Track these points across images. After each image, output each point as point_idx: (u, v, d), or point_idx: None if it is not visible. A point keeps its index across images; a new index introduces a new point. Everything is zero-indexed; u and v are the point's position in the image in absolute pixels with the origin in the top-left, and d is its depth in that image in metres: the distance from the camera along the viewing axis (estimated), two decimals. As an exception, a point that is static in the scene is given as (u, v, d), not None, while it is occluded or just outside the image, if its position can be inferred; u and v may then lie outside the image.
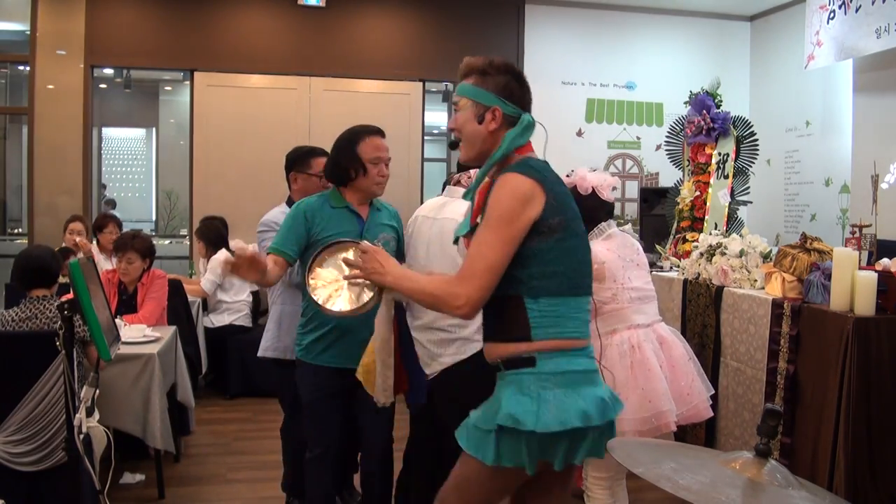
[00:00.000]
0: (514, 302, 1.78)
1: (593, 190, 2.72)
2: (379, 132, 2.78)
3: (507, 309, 1.80)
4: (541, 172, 1.81)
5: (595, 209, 2.73)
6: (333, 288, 2.16)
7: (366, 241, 2.06)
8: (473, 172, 2.85)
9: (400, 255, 2.86)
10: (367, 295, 2.09)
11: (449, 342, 2.57)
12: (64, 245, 5.18)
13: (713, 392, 2.77)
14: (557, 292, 1.78)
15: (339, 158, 2.74)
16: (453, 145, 2.00)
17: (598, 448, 1.79)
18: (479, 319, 2.61)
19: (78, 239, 5.19)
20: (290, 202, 3.16)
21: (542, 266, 1.77)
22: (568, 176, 2.81)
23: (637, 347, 2.60)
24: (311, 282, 2.18)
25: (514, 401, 1.75)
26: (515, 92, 1.92)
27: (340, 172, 2.74)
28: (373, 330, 2.53)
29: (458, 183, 2.84)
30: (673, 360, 2.67)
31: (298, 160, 3.23)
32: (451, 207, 2.71)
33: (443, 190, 3.04)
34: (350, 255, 2.10)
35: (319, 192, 2.84)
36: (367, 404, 2.65)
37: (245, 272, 2.33)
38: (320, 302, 2.15)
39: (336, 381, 2.71)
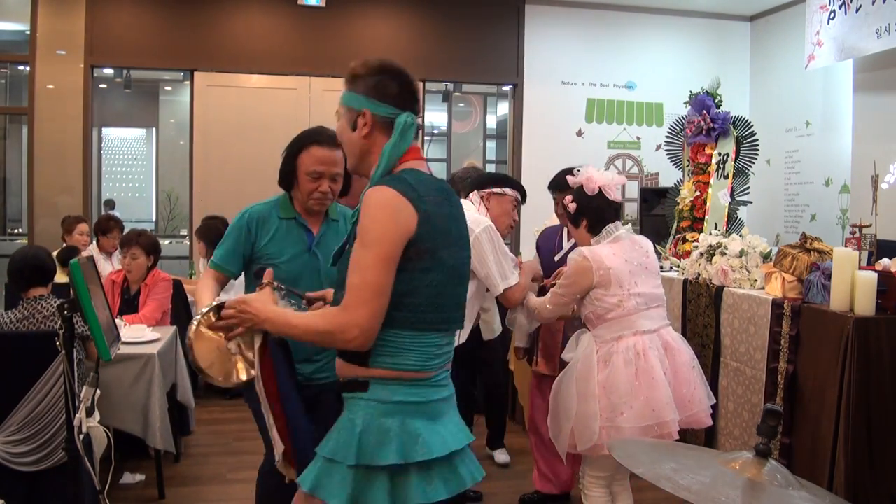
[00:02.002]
0: None
1: (600, 190, 2.66)
2: (330, 141, 2.38)
3: None
4: (414, 188, 1.62)
5: (602, 209, 2.67)
6: (220, 361, 1.89)
7: (227, 298, 1.82)
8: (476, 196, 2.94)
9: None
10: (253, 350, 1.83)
11: None
12: (67, 244, 5.17)
13: (714, 402, 2.73)
14: (402, 326, 1.63)
15: (282, 162, 2.46)
16: None
17: (447, 482, 1.66)
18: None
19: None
20: None
21: (396, 297, 1.61)
22: (573, 174, 2.77)
23: (642, 354, 2.54)
24: (199, 363, 1.88)
25: (339, 429, 1.67)
26: (390, 90, 1.70)
27: (283, 178, 2.47)
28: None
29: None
30: (677, 366, 2.62)
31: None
32: None
33: None
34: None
35: (269, 198, 2.55)
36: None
37: None
38: (222, 382, 1.91)
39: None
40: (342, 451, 1.62)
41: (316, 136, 2.43)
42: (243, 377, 1.91)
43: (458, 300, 1.74)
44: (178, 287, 4.50)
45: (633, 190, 6.90)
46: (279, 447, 1.82)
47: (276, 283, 1.89)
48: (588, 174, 2.70)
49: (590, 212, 2.68)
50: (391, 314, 1.62)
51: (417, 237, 1.59)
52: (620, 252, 2.62)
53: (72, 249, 4.91)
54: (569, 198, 2.75)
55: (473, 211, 2.83)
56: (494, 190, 2.94)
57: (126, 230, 5.07)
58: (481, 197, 2.95)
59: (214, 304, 1.85)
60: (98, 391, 3.05)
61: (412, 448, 1.61)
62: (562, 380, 2.69)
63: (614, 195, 2.69)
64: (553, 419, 2.70)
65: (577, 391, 2.58)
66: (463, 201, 2.86)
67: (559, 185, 3.42)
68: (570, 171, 3.45)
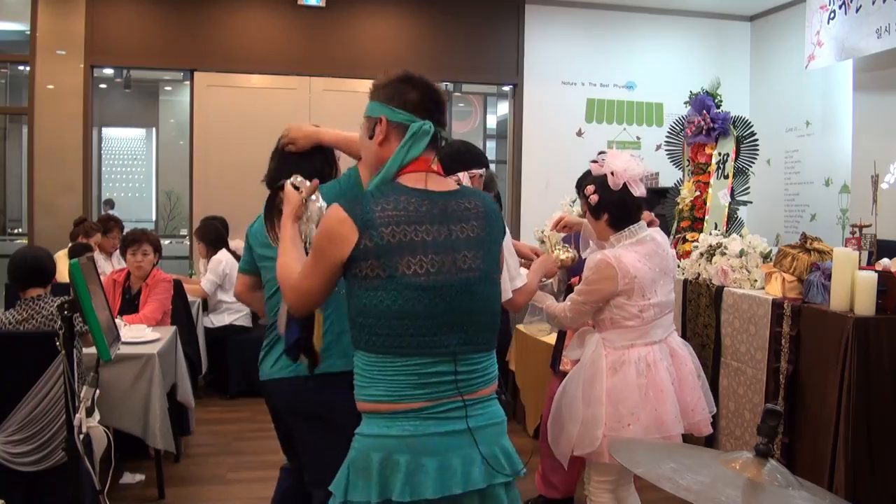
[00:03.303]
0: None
1: (624, 184, 2.49)
2: None
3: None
4: (363, 205, 1.56)
5: (626, 205, 2.51)
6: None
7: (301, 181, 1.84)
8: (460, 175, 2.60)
9: None
10: None
11: None
12: (79, 242, 5.15)
13: (715, 412, 2.66)
14: (368, 349, 1.58)
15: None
16: None
17: None
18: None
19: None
20: None
21: (357, 315, 1.59)
22: (596, 162, 2.61)
23: (653, 366, 2.46)
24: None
25: (344, 463, 1.62)
26: (408, 96, 1.65)
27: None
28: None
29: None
30: (682, 375, 2.55)
31: None
32: None
33: None
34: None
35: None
36: None
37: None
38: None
39: None
40: (336, 486, 1.60)
41: None
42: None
43: (441, 321, 1.57)
44: (178, 287, 4.50)
45: (633, 190, 6.89)
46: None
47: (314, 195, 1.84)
48: (612, 167, 2.50)
49: (612, 206, 2.52)
50: (358, 334, 1.60)
51: (358, 255, 1.55)
52: (645, 257, 2.48)
53: (85, 246, 4.89)
54: (590, 188, 2.55)
55: None
56: (480, 172, 2.69)
57: (126, 230, 5.07)
58: (471, 178, 2.66)
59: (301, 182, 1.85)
60: (98, 391, 3.06)
61: (392, 486, 1.51)
62: (567, 383, 2.61)
63: (639, 191, 2.51)
64: (554, 422, 2.61)
65: (583, 395, 2.50)
66: None
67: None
68: None
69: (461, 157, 2.71)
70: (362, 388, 1.60)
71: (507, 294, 2.51)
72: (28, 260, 3.07)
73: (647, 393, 2.43)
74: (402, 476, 1.51)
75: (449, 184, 1.68)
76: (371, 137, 1.67)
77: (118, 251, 5.22)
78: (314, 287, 1.63)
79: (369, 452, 1.55)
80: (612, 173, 2.50)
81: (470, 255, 1.61)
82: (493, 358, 1.70)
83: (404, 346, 1.55)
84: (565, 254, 2.93)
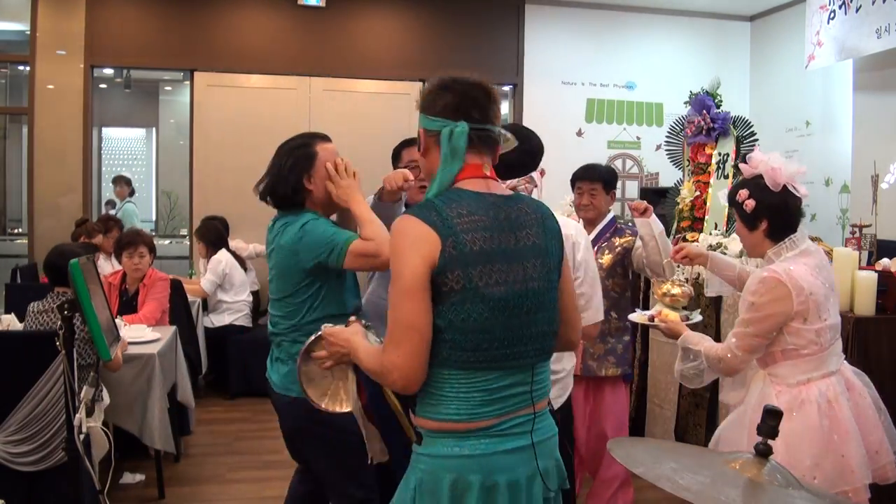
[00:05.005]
0: None
1: (785, 186, 2.13)
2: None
3: None
4: (440, 212, 1.49)
5: (789, 209, 2.15)
6: (326, 386, 1.92)
7: (326, 326, 1.79)
8: (537, 175, 2.31)
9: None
10: (351, 380, 1.87)
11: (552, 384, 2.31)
12: (85, 241, 5.15)
13: None
14: (447, 365, 1.50)
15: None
16: None
17: None
18: (571, 356, 2.33)
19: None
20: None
21: (439, 332, 1.50)
22: (744, 162, 2.25)
23: (834, 402, 2.09)
24: (308, 391, 1.91)
25: (401, 486, 1.59)
26: (442, 101, 1.56)
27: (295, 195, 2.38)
28: None
29: (513, 189, 2.33)
30: (860, 410, 2.16)
31: (394, 153, 2.85)
32: None
33: None
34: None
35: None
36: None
37: None
38: (325, 408, 1.92)
39: None
40: None
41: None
42: (339, 409, 1.91)
43: (519, 333, 1.53)
44: (177, 286, 4.50)
45: (633, 190, 6.90)
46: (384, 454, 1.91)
47: (363, 322, 1.85)
48: (770, 164, 2.13)
49: (774, 211, 2.14)
50: (431, 348, 1.50)
51: (444, 266, 1.46)
52: (816, 270, 2.11)
53: (93, 246, 4.89)
54: (744, 192, 2.18)
55: None
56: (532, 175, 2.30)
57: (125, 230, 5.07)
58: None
59: (315, 335, 1.84)
60: (106, 399, 3.08)
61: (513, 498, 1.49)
62: (727, 429, 2.26)
63: (802, 190, 2.15)
64: None
65: (750, 444, 2.06)
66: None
67: (588, 174, 3.08)
68: (593, 166, 3.13)
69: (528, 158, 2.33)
70: (431, 406, 1.53)
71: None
72: (60, 258, 3.12)
73: (832, 436, 2.06)
74: (475, 497, 1.49)
75: (505, 189, 1.64)
76: (419, 150, 1.65)
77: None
78: (414, 317, 1.47)
79: (440, 474, 1.51)
80: (771, 169, 2.14)
81: (534, 264, 1.56)
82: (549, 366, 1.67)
83: (482, 360, 1.50)
84: (677, 288, 2.63)
